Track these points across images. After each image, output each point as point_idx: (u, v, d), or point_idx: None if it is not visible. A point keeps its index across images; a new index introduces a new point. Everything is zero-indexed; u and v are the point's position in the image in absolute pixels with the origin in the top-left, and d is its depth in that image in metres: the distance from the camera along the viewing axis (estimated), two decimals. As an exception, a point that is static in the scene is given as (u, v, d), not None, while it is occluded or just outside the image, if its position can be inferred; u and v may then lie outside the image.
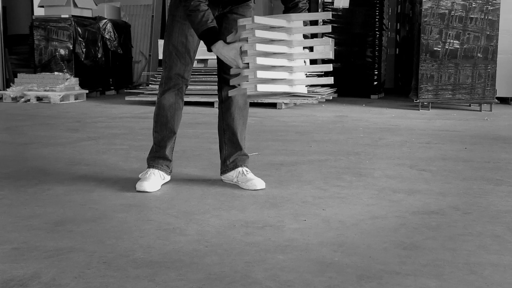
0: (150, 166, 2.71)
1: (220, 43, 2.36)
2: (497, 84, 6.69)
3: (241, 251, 1.79)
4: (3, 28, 9.52)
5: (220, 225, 2.08)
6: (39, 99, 7.80)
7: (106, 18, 9.30)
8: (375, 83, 8.50)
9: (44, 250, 1.79)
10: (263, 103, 6.55)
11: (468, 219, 2.18)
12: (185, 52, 2.59)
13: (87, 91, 8.31)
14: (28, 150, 3.72)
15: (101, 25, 9.11)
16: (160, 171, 2.69)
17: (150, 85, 7.47)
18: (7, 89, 8.16)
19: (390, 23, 9.51)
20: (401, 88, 9.38)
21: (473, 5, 6.38)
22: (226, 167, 2.73)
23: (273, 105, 6.67)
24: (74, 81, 8.13)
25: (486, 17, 6.38)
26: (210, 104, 6.79)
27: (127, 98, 7.50)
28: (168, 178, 2.74)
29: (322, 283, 1.54)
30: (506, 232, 2.01)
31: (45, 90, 7.82)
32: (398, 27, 9.73)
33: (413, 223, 2.12)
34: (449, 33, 6.45)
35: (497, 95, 6.82)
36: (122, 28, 9.72)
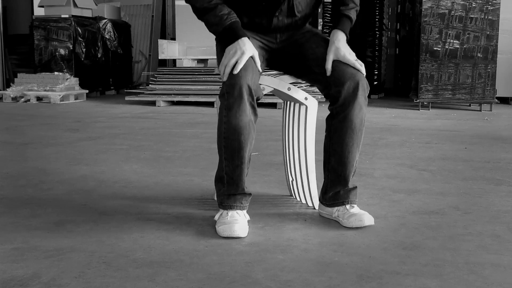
0: (225, 208, 2.04)
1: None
2: (497, 84, 6.70)
3: (241, 251, 1.79)
4: (3, 28, 9.53)
5: (220, 225, 2.08)
6: (39, 99, 7.81)
7: (106, 18, 9.31)
8: (375, 83, 8.50)
9: (44, 250, 1.79)
10: (263, 103, 6.55)
11: (468, 219, 2.18)
12: None
13: (87, 91, 8.32)
14: (28, 150, 3.72)
15: (101, 25, 9.11)
16: (241, 211, 2.05)
17: (150, 85, 7.47)
18: (7, 89, 8.17)
19: (390, 23, 9.51)
20: (401, 88, 9.38)
21: (473, 5, 6.38)
22: (324, 200, 2.18)
23: (273, 105, 6.68)
24: (74, 81, 8.13)
25: (486, 17, 6.38)
26: (210, 104, 6.79)
27: (127, 98, 7.51)
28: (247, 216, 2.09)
29: (322, 283, 1.54)
30: (506, 232, 2.01)
31: (45, 90, 7.82)
32: (398, 27, 9.73)
33: (413, 223, 2.12)
34: (449, 33, 6.46)
35: (497, 95, 6.83)
36: (122, 28, 9.73)
